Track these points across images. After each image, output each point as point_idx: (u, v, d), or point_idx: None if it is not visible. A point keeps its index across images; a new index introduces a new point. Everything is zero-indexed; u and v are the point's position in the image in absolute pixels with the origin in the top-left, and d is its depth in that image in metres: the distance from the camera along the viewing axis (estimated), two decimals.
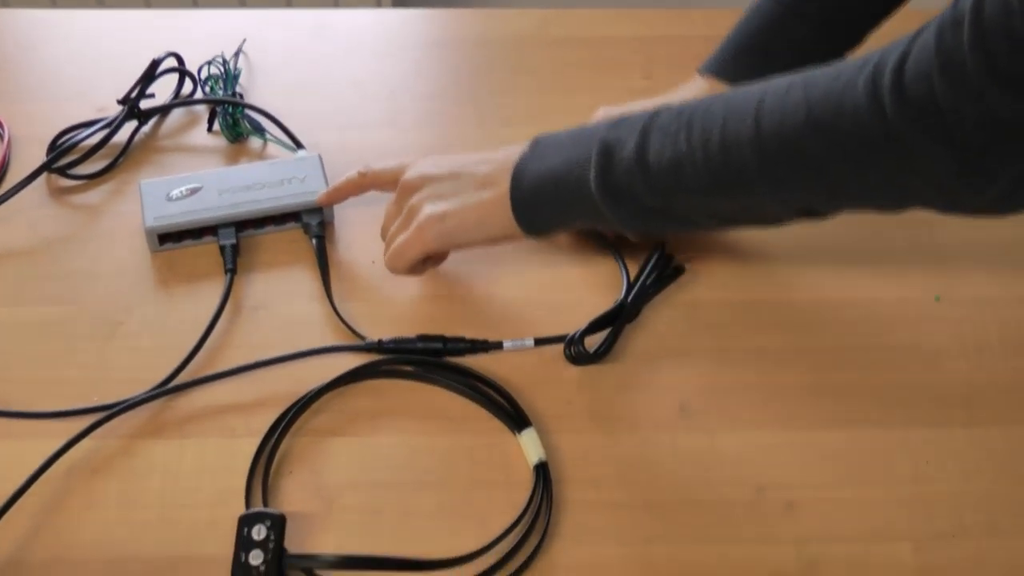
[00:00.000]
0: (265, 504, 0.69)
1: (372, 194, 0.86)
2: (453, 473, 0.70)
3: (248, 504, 0.68)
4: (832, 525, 0.68)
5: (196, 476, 0.70)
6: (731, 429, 0.73)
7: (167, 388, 0.74)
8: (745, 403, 0.74)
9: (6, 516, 0.67)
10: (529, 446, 0.71)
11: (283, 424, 0.72)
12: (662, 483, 0.70)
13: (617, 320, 0.77)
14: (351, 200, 0.85)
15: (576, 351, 0.76)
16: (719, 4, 0.96)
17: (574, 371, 0.76)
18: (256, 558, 0.64)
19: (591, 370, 0.76)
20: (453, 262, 0.81)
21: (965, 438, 0.73)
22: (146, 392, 0.74)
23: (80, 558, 0.67)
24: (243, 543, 0.64)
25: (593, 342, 0.76)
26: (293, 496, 0.70)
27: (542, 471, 0.70)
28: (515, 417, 0.73)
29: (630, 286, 0.79)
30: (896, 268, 0.82)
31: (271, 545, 0.64)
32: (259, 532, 0.64)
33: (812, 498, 0.70)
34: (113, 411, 0.72)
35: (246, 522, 0.65)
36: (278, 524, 0.65)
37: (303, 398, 0.73)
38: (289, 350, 0.75)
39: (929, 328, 0.78)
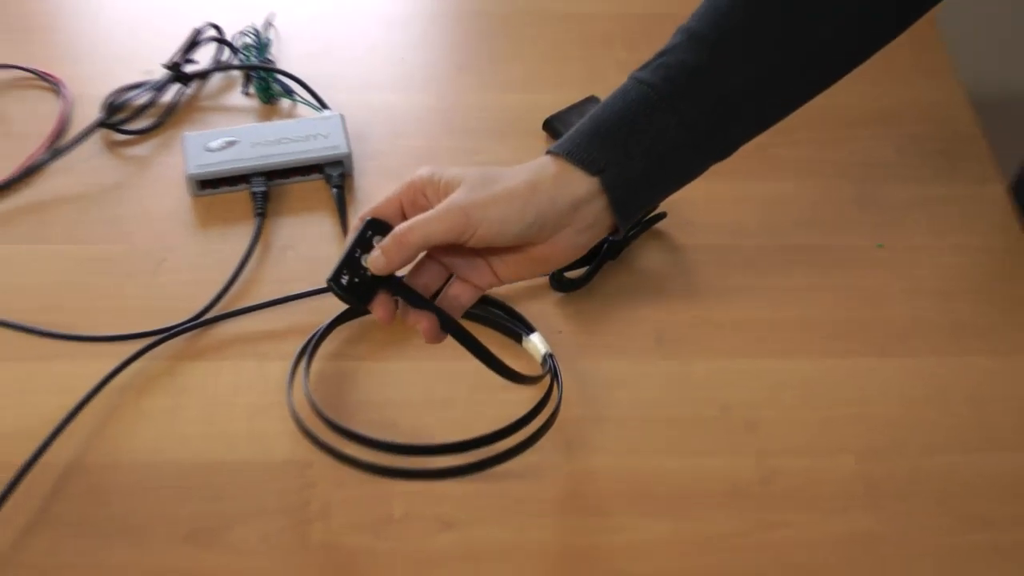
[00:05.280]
0: (307, 389, 0.67)
1: (388, 148, 0.85)
2: (459, 390, 0.69)
3: (290, 395, 0.67)
4: (787, 440, 0.68)
5: (232, 394, 0.70)
6: (701, 357, 0.72)
7: (205, 319, 0.73)
8: (714, 335, 0.74)
9: (69, 426, 0.67)
10: (537, 344, 0.69)
11: (308, 349, 0.71)
12: (641, 402, 0.70)
13: (599, 256, 0.76)
14: (366, 154, 0.84)
15: (560, 280, 0.75)
16: None
17: (563, 306, 0.75)
18: (366, 261, 0.58)
19: (579, 305, 0.75)
20: None
21: (903, 367, 0.72)
22: (187, 321, 0.73)
23: (132, 462, 0.66)
24: (361, 242, 0.57)
25: (577, 276, 0.75)
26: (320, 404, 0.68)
27: (552, 361, 0.68)
28: (519, 326, 0.71)
29: None
30: (844, 220, 0.81)
31: None
32: (379, 242, 0.58)
33: (770, 417, 0.69)
34: (159, 337, 0.72)
35: (373, 225, 0.58)
36: None
37: (325, 326, 0.72)
38: (312, 286, 0.75)
39: (873, 272, 0.78)
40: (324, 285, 0.58)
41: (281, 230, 0.80)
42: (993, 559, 0.63)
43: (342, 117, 0.85)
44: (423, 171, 0.59)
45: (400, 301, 0.59)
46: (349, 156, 0.82)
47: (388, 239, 0.57)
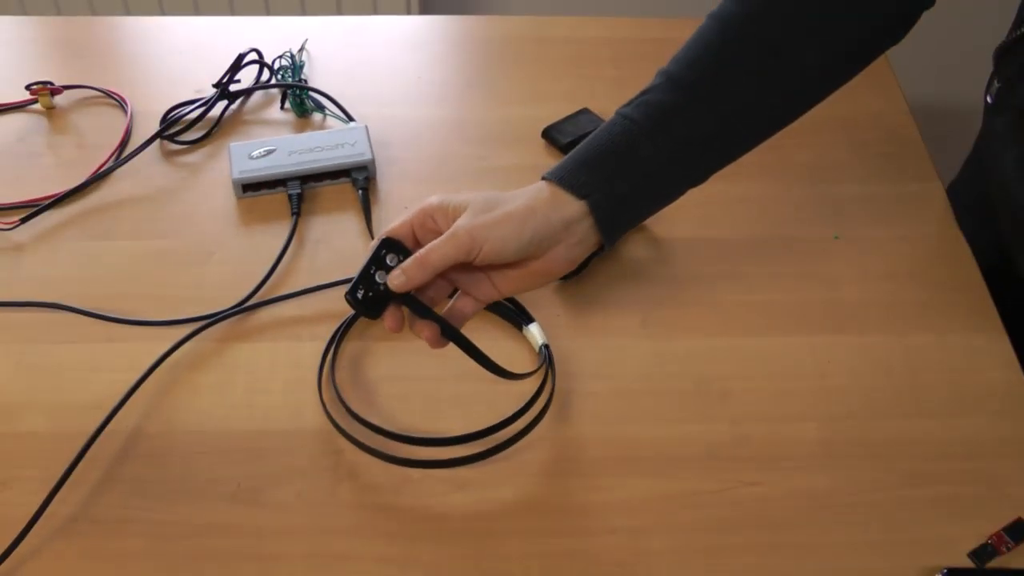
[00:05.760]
0: (333, 383, 0.66)
1: (407, 155, 0.83)
2: (466, 365, 0.66)
3: (321, 393, 0.66)
4: (757, 408, 0.67)
5: (271, 371, 0.68)
6: (680, 337, 0.70)
7: (248, 305, 0.72)
8: (691, 316, 0.72)
9: (131, 399, 0.65)
10: (535, 334, 0.68)
11: (341, 331, 0.70)
12: (627, 377, 0.68)
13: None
14: (388, 160, 0.82)
15: None
16: (669, 13, 0.91)
17: (560, 292, 0.73)
18: (381, 277, 0.56)
19: (574, 291, 0.73)
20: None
21: (855, 344, 0.70)
22: (232, 307, 0.72)
23: (184, 430, 0.65)
24: (376, 260, 0.56)
25: None
26: (347, 383, 0.68)
27: (547, 351, 0.67)
28: (520, 315, 0.70)
29: None
30: (805, 213, 0.79)
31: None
32: (392, 260, 0.57)
33: (742, 388, 0.68)
34: (208, 321, 0.71)
35: (387, 245, 0.57)
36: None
37: (353, 314, 0.70)
38: (342, 276, 0.73)
39: (829, 260, 0.76)
40: (351, 276, 0.56)
41: (314, 227, 0.78)
42: (929, 510, 0.62)
43: (366, 128, 0.83)
44: (433, 199, 0.57)
45: (407, 311, 0.58)
46: (373, 162, 0.81)
47: (411, 262, 0.56)
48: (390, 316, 0.57)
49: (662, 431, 0.65)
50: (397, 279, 0.56)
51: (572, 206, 0.57)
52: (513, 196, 0.57)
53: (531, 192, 0.57)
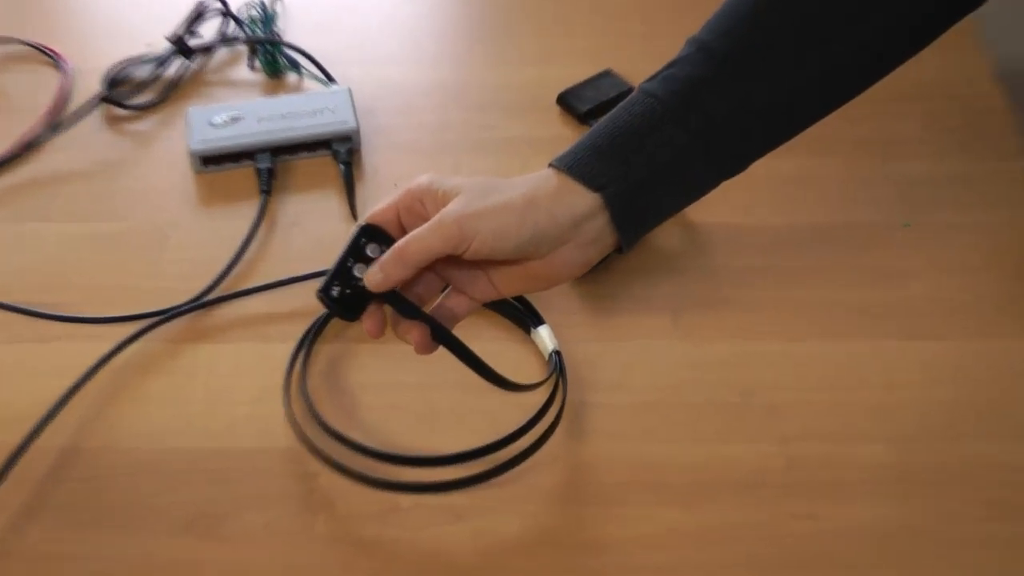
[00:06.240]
0: (304, 393, 0.66)
1: (398, 123, 0.83)
2: (463, 372, 0.66)
3: (287, 399, 0.65)
4: (811, 426, 0.65)
5: (234, 377, 0.68)
6: (719, 340, 0.69)
7: (208, 300, 0.71)
8: (732, 316, 0.71)
9: (65, 410, 0.64)
10: (545, 338, 0.68)
11: (314, 330, 0.69)
12: (654, 387, 0.67)
13: None
14: (376, 129, 0.82)
15: None
16: None
17: (576, 285, 0.72)
18: (360, 272, 0.55)
19: (592, 284, 0.73)
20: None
21: (929, 350, 0.69)
22: (189, 301, 0.71)
23: (129, 447, 0.64)
24: (355, 251, 0.56)
25: None
26: (323, 393, 0.67)
27: (557, 358, 0.66)
28: (529, 316, 0.69)
29: None
30: (867, 196, 0.78)
31: None
32: (374, 251, 0.56)
33: (792, 401, 0.66)
34: (160, 318, 0.70)
35: (367, 233, 0.56)
36: None
37: (324, 316, 0.70)
38: (320, 266, 0.72)
39: (898, 251, 0.75)
40: (331, 266, 0.56)
41: (287, 208, 0.78)
42: (1019, 548, 0.60)
43: (350, 91, 0.83)
44: (423, 179, 0.56)
45: (391, 311, 0.57)
46: (357, 131, 0.81)
47: (388, 254, 0.55)
48: (370, 318, 0.56)
49: (696, 452, 0.64)
50: (374, 276, 0.55)
51: (583, 200, 0.56)
52: (514, 184, 0.56)
53: (535, 181, 0.57)
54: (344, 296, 0.55)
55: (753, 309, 0.71)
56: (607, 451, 0.64)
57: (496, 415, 0.65)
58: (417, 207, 0.56)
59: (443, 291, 0.59)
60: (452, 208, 0.54)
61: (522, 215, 0.54)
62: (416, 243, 0.54)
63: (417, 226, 0.55)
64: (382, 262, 0.55)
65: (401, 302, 0.56)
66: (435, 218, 0.54)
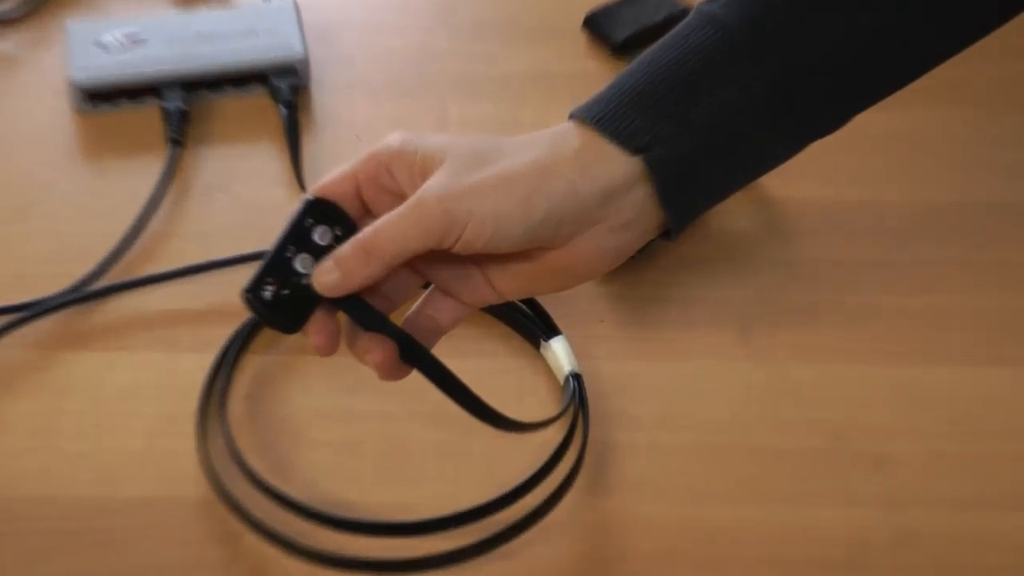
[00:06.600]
0: (225, 425, 0.65)
1: (362, 51, 0.84)
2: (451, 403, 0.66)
3: (202, 432, 0.65)
4: (932, 486, 0.65)
5: (129, 399, 0.68)
6: (804, 360, 0.70)
7: (91, 291, 0.72)
8: (821, 329, 0.71)
9: None
10: (559, 354, 0.68)
11: (241, 337, 0.69)
12: (712, 425, 0.68)
13: None
14: (330, 58, 0.83)
15: None
16: None
17: (608, 283, 0.73)
18: (305, 265, 0.55)
19: (630, 282, 0.73)
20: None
21: None
22: (65, 292, 0.71)
23: None
24: (297, 237, 0.55)
25: None
26: (253, 427, 0.67)
27: (576, 384, 0.66)
28: (539, 326, 0.70)
29: None
30: (1012, 163, 0.79)
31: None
32: (324, 236, 0.55)
33: (907, 451, 0.67)
34: (23, 315, 0.70)
35: (315, 211, 0.55)
36: (351, 235, 0.55)
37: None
38: (250, 247, 0.72)
39: None
40: (263, 250, 0.55)
41: (206, 164, 0.78)
42: None
43: (296, 5, 0.83)
44: (392, 140, 0.56)
45: (346, 320, 0.56)
46: (305, 61, 0.82)
47: (349, 248, 0.54)
48: (318, 330, 0.55)
49: (768, 518, 0.64)
50: (327, 276, 0.54)
51: (617, 166, 0.55)
52: (519, 145, 0.56)
53: (549, 140, 0.56)
54: (281, 299, 0.54)
55: (852, 321, 0.72)
56: (643, 513, 0.64)
57: (492, 461, 0.65)
58: (384, 178, 0.56)
59: (422, 292, 0.59)
60: (435, 184, 0.53)
61: (533, 189, 0.54)
62: (387, 233, 0.53)
63: (384, 204, 0.55)
64: (339, 257, 0.54)
65: (361, 309, 0.56)
66: (412, 199, 0.53)
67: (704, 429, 0.67)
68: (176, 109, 0.78)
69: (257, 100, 0.81)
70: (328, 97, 0.81)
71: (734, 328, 0.71)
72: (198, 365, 0.68)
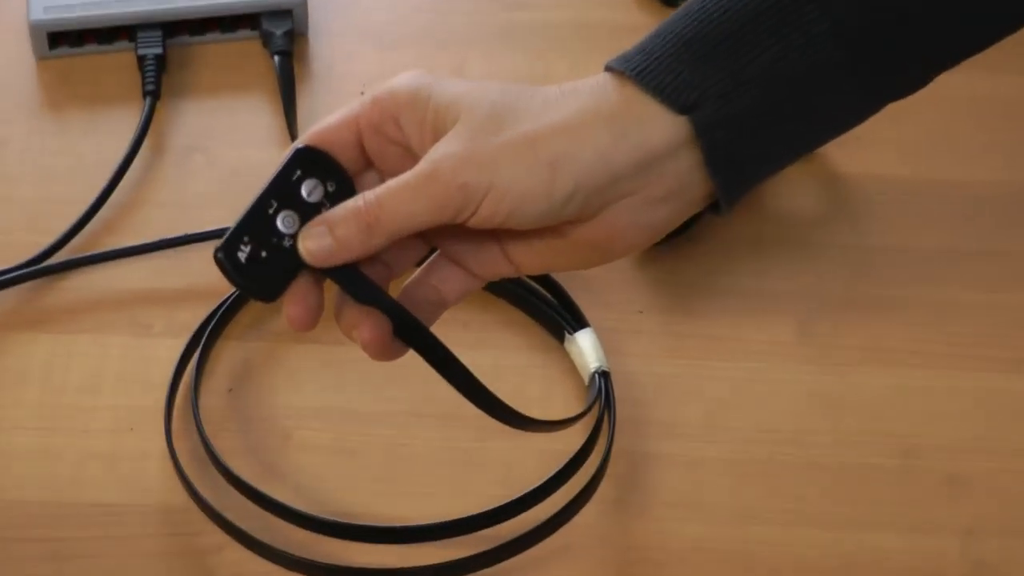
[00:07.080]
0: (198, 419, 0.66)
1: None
2: (452, 392, 0.66)
3: (168, 430, 0.66)
4: (1016, 513, 0.66)
5: (91, 389, 0.68)
6: (871, 363, 0.70)
7: (51, 264, 0.73)
8: (895, 328, 0.72)
9: None
10: (586, 349, 0.69)
11: (217, 319, 0.70)
12: (762, 436, 0.68)
13: None
14: (334, 3, 0.83)
15: None
16: None
17: (647, 269, 0.73)
18: (289, 226, 0.55)
19: (673, 268, 0.73)
20: None
21: None
22: (21, 266, 0.72)
23: None
24: (282, 190, 0.55)
25: None
26: (234, 425, 0.67)
27: (602, 383, 0.67)
28: (564, 317, 0.70)
29: None
30: None
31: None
32: (314, 192, 0.55)
33: (988, 470, 0.67)
34: None
35: (306, 161, 0.55)
36: (346, 193, 0.56)
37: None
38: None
39: None
40: (241, 212, 0.55)
41: (185, 120, 0.79)
42: None
43: None
44: (401, 85, 0.56)
45: (336, 290, 0.56)
46: (303, 3, 0.81)
47: (346, 214, 0.54)
48: (296, 299, 0.55)
49: (828, 543, 0.65)
50: (318, 242, 0.55)
51: (660, 126, 0.55)
52: (547, 100, 0.56)
53: (580, 95, 0.56)
54: (258, 261, 0.55)
55: (930, 320, 0.72)
56: (679, 535, 0.65)
57: (505, 464, 0.65)
58: (390, 128, 0.56)
59: (425, 258, 0.59)
60: (449, 150, 0.53)
61: (557, 156, 0.54)
62: (392, 205, 0.53)
63: (390, 158, 0.56)
64: (332, 220, 0.54)
65: (353, 279, 0.56)
66: (423, 168, 0.53)
67: (750, 440, 0.68)
68: (152, 55, 0.78)
69: (245, 46, 0.81)
70: (328, 45, 0.82)
71: (792, 324, 0.72)
72: (172, 352, 0.68)
